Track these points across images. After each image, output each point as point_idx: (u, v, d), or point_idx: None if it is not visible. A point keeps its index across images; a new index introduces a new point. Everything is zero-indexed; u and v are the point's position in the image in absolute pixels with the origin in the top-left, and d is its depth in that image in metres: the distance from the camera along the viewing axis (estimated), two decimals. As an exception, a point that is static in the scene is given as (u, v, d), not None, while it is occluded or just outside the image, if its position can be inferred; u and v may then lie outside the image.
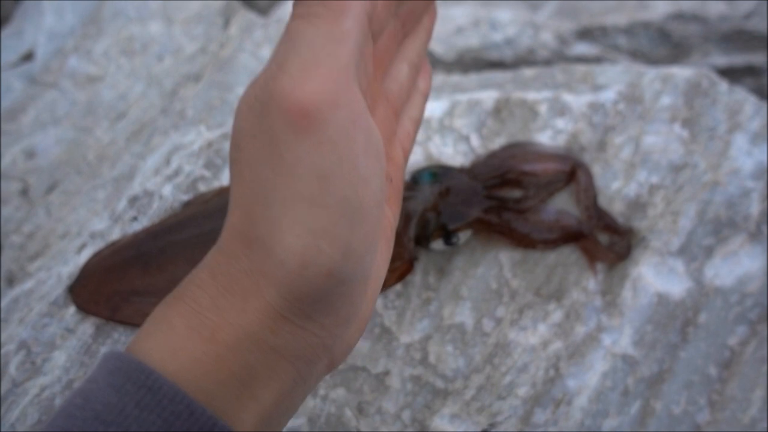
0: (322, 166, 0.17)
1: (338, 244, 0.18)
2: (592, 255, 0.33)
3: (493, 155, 0.35)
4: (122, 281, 0.31)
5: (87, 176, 0.48)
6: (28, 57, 0.55)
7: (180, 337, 0.18)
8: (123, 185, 0.45)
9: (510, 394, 0.31)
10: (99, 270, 0.32)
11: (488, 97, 0.39)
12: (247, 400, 0.18)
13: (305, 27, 0.18)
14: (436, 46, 0.62)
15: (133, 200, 0.35)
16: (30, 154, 0.48)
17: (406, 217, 0.31)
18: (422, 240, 0.31)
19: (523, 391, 0.31)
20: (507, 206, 0.32)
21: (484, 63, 0.62)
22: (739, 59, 0.60)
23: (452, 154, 0.36)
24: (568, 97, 0.38)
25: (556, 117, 0.37)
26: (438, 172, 0.33)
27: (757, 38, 0.60)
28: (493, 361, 0.32)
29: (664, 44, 0.62)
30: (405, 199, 0.31)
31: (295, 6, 0.19)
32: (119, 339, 0.31)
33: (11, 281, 0.42)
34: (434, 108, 0.38)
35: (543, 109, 0.38)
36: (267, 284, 0.18)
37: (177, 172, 0.36)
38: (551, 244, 0.33)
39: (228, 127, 0.38)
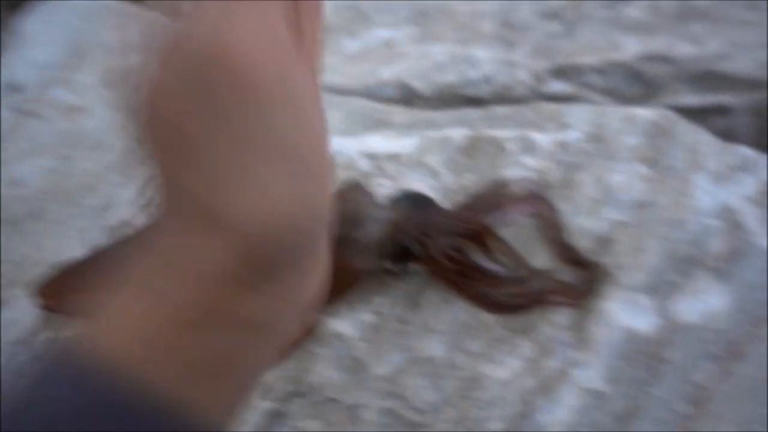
0: (277, 126, 0.16)
1: (301, 204, 0.17)
2: (555, 301, 0.34)
3: (468, 207, 0.36)
4: (84, 279, 0.31)
5: (69, 206, 0.48)
6: (15, 88, 0.55)
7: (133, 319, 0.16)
8: (102, 214, 0.46)
9: (481, 429, 0.32)
10: (65, 271, 0.32)
11: (459, 134, 0.40)
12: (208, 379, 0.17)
13: None
14: (416, 82, 0.64)
15: (112, 231, 0.36)
16: (14, 183, 0.48)
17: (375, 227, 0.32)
18: (381, 254, 0.32)
19: (495, 425, 0.32)
20: (471, 269, 0.33)
21: (462, 99, 0.64)
22: (708, 99, 0.62)
23: (424, 189, 0.38)
24: (537, 136, 0.39)
25: (525, 154, 0.38)
26: (420, 201, 0.34)
27: (725, 79, 0.62)
28: (465, 394, 0.32)
29: (636, 83, 0.64)
30: (379, 212, 0.32)
31: None
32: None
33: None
34: (405, 144, 0.39)
35: (512, 146, 0.39)
36: (225, 253, 0.16)
37: (150, 203, 0.36)
38: (512, 310, 0.33)
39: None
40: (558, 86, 0.65)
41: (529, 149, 0.38)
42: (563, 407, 0.32)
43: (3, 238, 0.44)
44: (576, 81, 0.65)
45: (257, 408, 0.31)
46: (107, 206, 0.45)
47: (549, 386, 0.32)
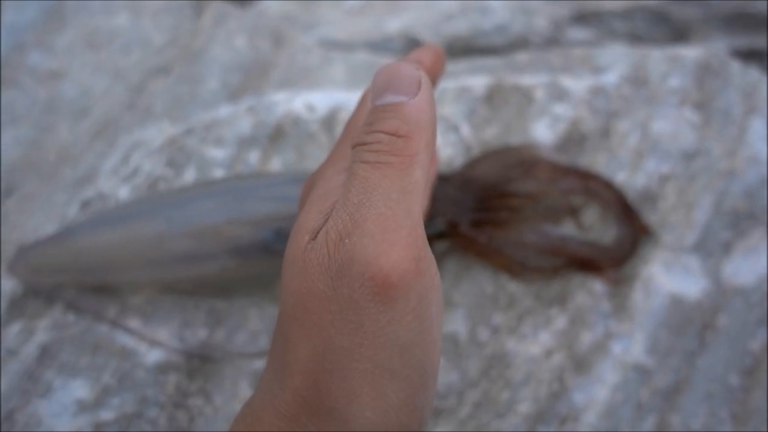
0: (405, 337, 0.17)
1: (417, 415, 0.17)
2: (588, 266, 0.29)
3: (489, 159, 0.31)
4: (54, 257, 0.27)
5: (47, 179, 0.44)
6: (-13, 53, 0.51)
7: None
8: (80, 187, 0.42)
9: (510, 411, 0.28)
10: (35, 248, 0.28)
11: (479, 83, 0.35)
12: None
13: (377, 177, 0.17)
14: (424, 34, 0.59)
15: (86, 204, 0.32)
16: (-15, 155, 0.44)
17: None
18: None
19: (524, 407, 0.28)
20: (497, 223, 0.28)
21: (474, 51, 0.59)
22: (741, 42, 0.57)
23: (441, 145, 0.33)
24: (567, 81, 0.35)
25: (554, 103, 0.34)
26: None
27: (759, 20, 0.57)
28: (490, 374, 0.29)
29: (663, 27, 0.59)
30: None
31: (359, 150, 0.18)
32: (68, 362, 0.27)
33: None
34: (420, 96, 0.35)
35: (539, 94, 0.34)
36: None
37: (135, 172, 0.32)
38: (549, 273, 0.29)
39: (195, 120, 0.35)
40: (579, 33, 0.60)
41: (560, 97, 0.34)
42: (601, 385, 0.28)
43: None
44: (598, 27, 0.59)
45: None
46: (88, 178, 0.41)
47: (585, 362, 0.28)
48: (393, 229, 0.17)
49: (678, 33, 0.59)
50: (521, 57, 0.41)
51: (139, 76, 0.48)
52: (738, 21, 0.56)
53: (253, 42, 0.49)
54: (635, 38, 0.59)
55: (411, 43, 0.59)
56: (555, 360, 0.29)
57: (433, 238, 0.28)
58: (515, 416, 0.28)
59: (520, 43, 0.59)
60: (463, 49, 0.59)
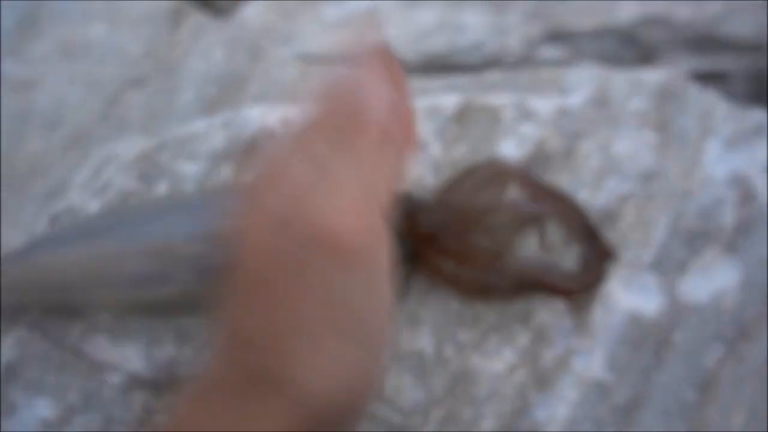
0: (353, 298, 0.17)
1: (364, 377, 0.17)
2: (557, 291, 0.30)
3: (461, 181, 0.32)
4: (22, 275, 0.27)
5: (16, 190, 0.44)
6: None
7: None
8: (50, 200, 0.42)
9: (474, 428, 0.28)
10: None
11: (449, 102, 0.36)
12: None
13: (328, 149, 0.17)
14: (401, 50, 0.60)
15: (55, 219, 0.32)
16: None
17: None
18: None
19: (488, 423, 0.29)
20: (464, 249, 0.29)
21: (450, 67, 0.60)
22: (707, 64, 0.59)
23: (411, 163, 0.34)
24: (534, 102, 0.35)
25: (522, 122, 0.35)
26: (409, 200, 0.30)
27: (724, 43, 0.59)
28: (455, 391, 0.29)
29: (632, 48, 0.61)
30: None
31: (313, 124, 0.18)
32: (32, 379, 0.27)
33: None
34: (392, 114, 0.35)
35: (507, 114, 0.35)
36: (289, 422, 0.16)
37: (106, 186, 0.32)
38: (512, 297, 0.30)
39: (169, 134, 0.35)
40: (551, 52, 0.61)
41: (527, 116, 0.35)
42: (562, 401, 0.29)
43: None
44: (570, 46, 0.61)
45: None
46: (58, 191, 0.41)
47: (547, 378, 0.29)
48: (348, 192, 0.17)
49: (645, 54, 0.60)
50: (492, 76, 0.42)
51: (113, 86, 0.48)
52: (703, 43, 0.58)
53: (231, 55, 0.49)
54: (604, 59, 0.61)
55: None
56: (518, 376, 0.29)
57: (400, 261, 0.28)
58: (479, 432, 0.28)
59: (494, 61, 0.61)
60: (440, 64, 0.60)
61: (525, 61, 0.60)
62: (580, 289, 0.30)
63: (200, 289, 0.27)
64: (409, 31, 0.61)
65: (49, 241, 0.28)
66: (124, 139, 0.36)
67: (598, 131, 0.34)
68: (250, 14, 0.65)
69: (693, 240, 0.32)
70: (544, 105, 0.35)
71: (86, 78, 0.47)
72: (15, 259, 0.28)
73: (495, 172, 0.33)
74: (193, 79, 0.47)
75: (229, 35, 0.51)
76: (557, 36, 0.60)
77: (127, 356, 0.28)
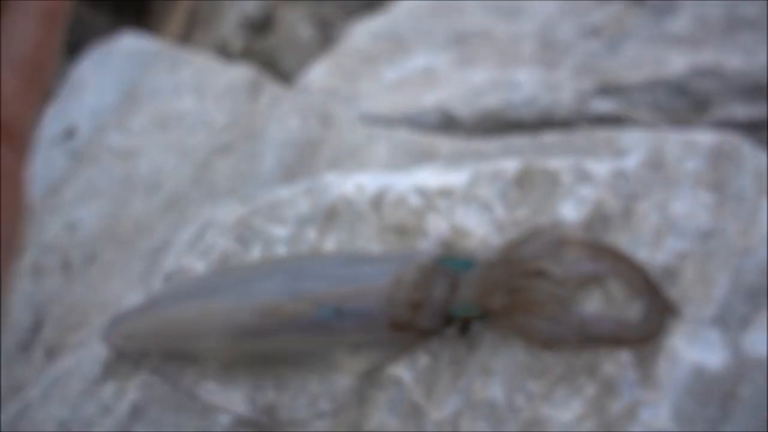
0: None
1: None
2: (621, 343, 0.32)
3: (523, 241, 0.35)
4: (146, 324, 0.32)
5: (124, 248, 0.49)
6: (71, 133, 0.58)
7: None
8: (156, 257, 0.47)
9: (545, 475, 0.30)
10: (129, 316, 0.33)
11: (510, 166, 0.39)
12: None
13: None
14: (457, 108, 0.64)
15: (168, 277, 0.37)
16: (71, 227, 0.50)
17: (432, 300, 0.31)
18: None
19: (559, 471, 0.30)
20: (530, 303, 0.32)
21: (504, 124, 0.63)
22: (760, 112, 0.59)
23: (476, 225, 0.37)
24: (591, 165, 0.38)
25: (579, 185, 0.37)
26: (471, 261, 0.33)
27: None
28: (527, 438, 0.31)
29: (683, 99, 0.62)
30: (425, 282, 0.32)
31: None
32: (155, 418, 0.31)
33: (52, 352, 0.43)
34: (456, 178, 0.39)
35: (566, 177, 0.38)
36: None
37: (211, 248, 0.37)
38: (577, 347, 0.32)
39: (260, 200, 0.40)
40: (603, 105, 0.63)
41: (584, 179, 0.37)
42: (632, 451, 0.30)
43: (64, 283, 0.46)
44: (621, 99, 0.63)
45: (316, 457, 0.31)
46: (161, 248, 0.46)
47: (615, 429, 0.31)
48: None
49: (698, 105, 0.62)
50: (548, 138, 0.45)
51: (203, 153, 0.54)
52: (755, 92, 0.59)
53: (305, 121, 0.55)
54: (657, 111, 0.63)
55: (445, 117, 0.64)
56: (586, 426, 0.31)
57: (471, 320, 0.31)
58: (551, 479, 0.30)
59: (546, 116, 0.64)
60: (495, 121, 0.64)
61: (578, 115, 0.63)
62: (643, 339, 0.32)
63: (299, 343, 0.31)
64: (464, 89, 0.65)
65: (167, 296, 0.33)
66: (221, 205, 0.41)
67: (654, 192, 0.36)
68: (314, 77, 0.71)
69: (755, 295, 0.33)
70: (600, 167, 0.38)
71: (179, 146, 0.54)
72: (137, 312, 0.33)
73: (556, 234, 0.35)
74: (273, 145, 0.52)
75: (300, 103, 0.56)
76: (608, 89, 0.63)
77: (233, 400, 0.31)
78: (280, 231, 0.38)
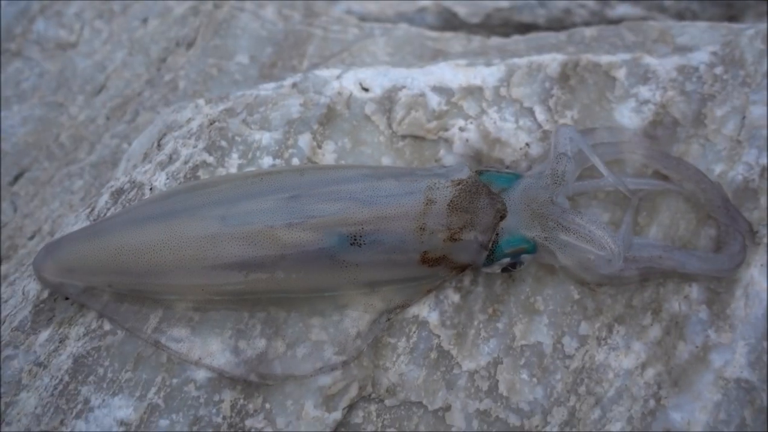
0: None
1: None
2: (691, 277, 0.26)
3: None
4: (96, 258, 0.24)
5: (60, 161, 0.40)
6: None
7: None
8: (104, 172, 0.38)
9: (602, 431, 0.25)
10: (69, 243, 0.25)
11: (552, 60, 0.32)
12: None
13: None
14: (459, 7, 0.55)
15: (117, 194, 0.28)
16: (-8, 136, 0.40)
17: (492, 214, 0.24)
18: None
19: (617, 427, 0.25)
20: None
21: (513, 25, 0.55)
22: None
23: (513, 130, 0.30)
24: (651, 60, 0.31)
25: (639, 84, 0.30)
26: (514, 178, 0.26)
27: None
28: (579, 390, 0.26)
29: (716, 4, 0.56)
30: (492, 197, 0.24)
31: None
32: (105, 376, 0.24)
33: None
34: (486, 74, 0.31)
35: (621, 74, 0.31)
36: None
37: (171, 158, 0.29)
38: (638, 282, 0.26)
39: (232, 101, 0.31)
40: (625, 8, 0.56)
41: (645, 78, 0.30)
42: (701, 402, 0.25)
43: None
44: (646, 2, 0.56)
45: (320, 420, 0.24)
46: (111, 161, 0.37)
47: (684, 376, 0.26)
48: None
49: (731, 10, 0.55)
50: (587, 31, 0.37)
51: (158, 48, 0.43)
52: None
53: (282, 12, 0.45)
54: (685, 16, 0.55)
55: (448, 16, 0.55)
56: (650, 374, 0.26)
57: (520, 253, 0.25)
58: (608, 437, 0.25)
59: (563, 18, 0.55)
60: (503, 22, 0.55)
61: (596, 19, 0.55)
62: (716, 274, 0.26)
63: (298, 278, 0.24)
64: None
65: (121, 218, 0.25)
66: (183, 105, 0.32)
67: (732, 95, 0.30)
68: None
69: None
70: (662, 64, 0.31)
71: (127, 38, 0.43)
72: (80, 239, 0.25)
73: (613, 142, 0.28)
74: (245, 39, 0.42)
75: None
76: (631, -9, 0.55)
77: (210, 350, 0.24)
78: (263, 137, 0.29)
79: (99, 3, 0.44)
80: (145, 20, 0.44)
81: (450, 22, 0.55)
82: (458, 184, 0.24)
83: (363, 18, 0.50)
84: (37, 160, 0.39)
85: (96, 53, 0.43)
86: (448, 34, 0.43)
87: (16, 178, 0.38)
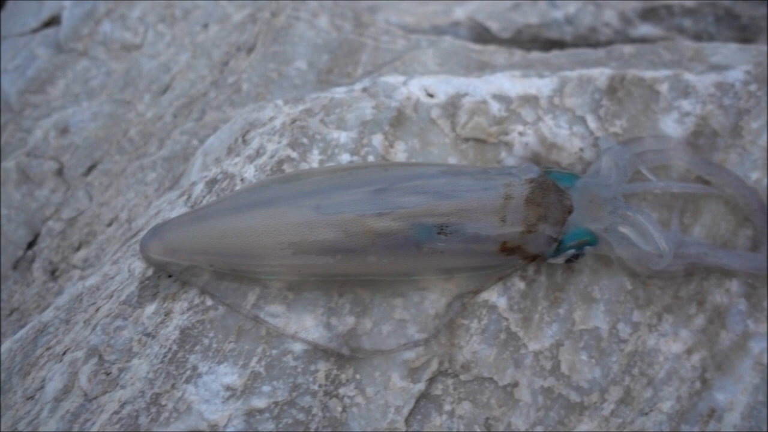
0: None
1: None
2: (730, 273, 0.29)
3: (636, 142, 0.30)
4: (198, 240, 0.26)
5: (131, 155, 0.42)
6: (52, 22, 0.49)
7: None
8: (176, 166, 0.41)
9: (653, 409, 0.28)
10: (174, 226, 0.27)
11: (600, 74, 0.35)
12: None
13: None
14: (491, 22, 0.58)
15: (211, 183, 0.30)
16: (63, 130, 0.42)
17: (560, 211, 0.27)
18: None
19: (667, 405, 0.28)
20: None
21: (541, 41, 0.58)
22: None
23: (568, 136, 0.32)
24: (690, 77, 0.34)
25: (681, 98, 0.33)
26: (576, 176, 0.28)
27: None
28: (632, 371, 0.28)
29: (731, 27, 0.59)
30: (561, 194, 0.27)
31: None
32: (211, 346, 0.26)
33: (54, 273, 0.37)
34: (540, 85, 0.34)
35: (664, 88, 0.34)
36: None
37: (258, 152, 0.31)
38: (684, 275, 0.29)
39: (309, 102, 0.34)
40: (646, 29, 0.59)
41: (685, 92, 0.33)
42: (742, 385, 0.28)
43: (60, 193, 0.39)
44: (666, 23, 0.59)
45: (406, 390, 0.26)
46: (182, 156, 0.40)
47: (726, 361, 0.28)
48: None
49: (745, 33, 0.58)
50: (626, 49, 0.41)
51: (220, 52, 0.46)
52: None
53: (335, 22, 0.48)
54: (702, 37, 0.59)
55: (480, 30, 0.59)
56: (696, 358, 0.28)
57: (584, 245, 0.27)
58: (659, 414, 0.28)
59: (588, 36, 0.59)
60: (532, 38, 0.58)
61: (619, 37, 0.58)
62: (753, 271, 0.29)
63: (386, 264, 0.26)
64: (500, 2, 0.59)
65: (222, 205, 0.27)
66: (264, 105, 0.34)
67: (764, 110, 0.33)
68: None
69: None
70: (701, 80, 0.34)
71: (189, 42, 0.46)
72: (184, 223, 0.27)
73: (660, 150, 0.31)
74: (302, 46, 0.45)
75: (329, 2, 0.49)
76: (654, 12, 0.58)
77: (305, 325, 0.27)
78: (341, 136, 0.32)
79: (161, 8, 0.47)
80: (205, 25, 0.47)
81: (482, 36, 0.58)
82: (531, 182, 0.27)
83: (403, 29, 0.53)
84: (109, 153, 0.41)
85: (160, 55, 0.45)
86: (491, 48, 0.46)
87: (89, 170, 0.41)
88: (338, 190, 0.27)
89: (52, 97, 0.44)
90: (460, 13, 0.61)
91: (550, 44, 0.58)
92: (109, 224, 0.38)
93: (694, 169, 0.31)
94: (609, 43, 0.57)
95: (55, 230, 0.38)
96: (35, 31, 0.48)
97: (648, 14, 0.60)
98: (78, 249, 0.37)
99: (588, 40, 0.59)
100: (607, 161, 0.29)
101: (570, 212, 0.27)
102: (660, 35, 0.60)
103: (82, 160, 0.41)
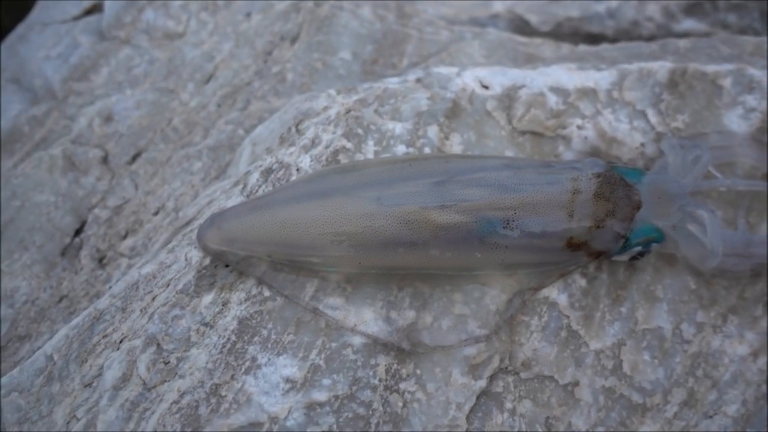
0: None
1: None
2: None
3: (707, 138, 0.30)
4: (257, 231, 0.26)
5: (175, 144, 0.42)
6: (93, 10, 0.49)
7: None
8: (222, 155, 0.40)
9: (718, 413, 0.27)
10: (232, 216, 0.27)
11: (660, 67, 0.34)
12: None
13: None
14: (531, 15, 0.57)
15: (267, 172, 0.30)
16: (107, 118, 0.42)
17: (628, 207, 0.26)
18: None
19: (732, 409, 0.27)
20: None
21: (582, 35, 0.57)
22: None
23: (628, 131, 0.32)
24: (755, 72, 0.33)
25: (745, 93, 0.32)
26: (641, 172, 0.28)
27: None
28: (696, 373, 0.28)
29: (777, 23, 0.57)
30: (630, 190, 0.26)
31: None
32: (270, 337, 0.26)
33: (102, 261, 0.37)
34: (598, 78, 0.33)
35: (727, 83, 0.33)
36: None
37: (314, 142, 0.31)
38: (751, 276, 0.28)
39: (362, 92, 0.33)
40: (690, 24, 0.58)
41: (750, 87, 0.32)
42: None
43: (105, 181, 0.39)
44: (710, 19, 0.58)
45: (467, 387, 0.26)
46: (228, 145, 0.39)
47: (789, 366, 0.27)
48: None
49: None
50: (681, 43, 0.39)
51: (263, 41, 0.45)
52: None
53: (378, 12, 0.47)
54: (747, 33, 0.57)
55: (520, 23, 0.58)
56: (762, 361, 0.28)
57: (650, 242, 0.27)
58: (724, 417, 0.27)
59: (630, 30, 0.58)
60: (572, 32, 0.57)
61: (662, 32, 0.57)
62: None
63: (449, 258, 0.26)
64: (538, -4, 0.58)
65: (281, 195, 0.27)
66: (317, 95, 0.34)
67: (835, 105, 0.32)
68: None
69: None
70: (765, 76, 0.33)
71: (232, 31, 0.45)
72: (242, 213, 0.27)
73: (725, 146, 0.30)
74: (347, 36, 0.44)
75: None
76: (698, 7, 0.57)
77: (364, 318, 0.26)
78: (396, 127, 0.31)
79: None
80: (248, 14, 0.46)
81: (521, 29, 0.57)
82: (598, 176, 0.26)
83: (440, 20, 0.52)
84: (153, 142, 0.41)
85: (203, 44, 0.45)
86: (537, 40, 0.45)
87: (134, 158, 0.41)
88: (399, 181, 0.26)
89: (95, 85, 0.44)
90: (498, 5, 0.59)
91: (590, 38, 0.57)
92: (156, 213, 0.38)
93: (760, 167, 0.30)
94: (651, 38, 0.56)
95: (102, 218, 0.37)
96: (77, 18, 0.48)
97: (692, 9, 0.59)
98: (125, 237, 0.37)
99: (630, 35, 0.58)
100: (675, 158, 0.28)
101: (638, 208, 0.26)
102: (704, 31, 0.59)
103: (126, 148, 0.41)
